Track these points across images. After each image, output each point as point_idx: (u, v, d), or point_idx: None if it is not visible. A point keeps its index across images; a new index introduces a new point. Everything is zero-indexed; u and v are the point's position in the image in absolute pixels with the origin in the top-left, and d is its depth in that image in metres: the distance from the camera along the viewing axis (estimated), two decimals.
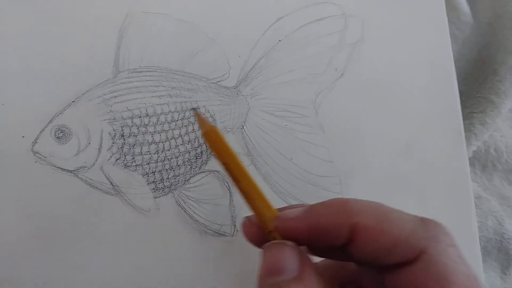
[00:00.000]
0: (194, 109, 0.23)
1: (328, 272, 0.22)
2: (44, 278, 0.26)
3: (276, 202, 0.29)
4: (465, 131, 0.35)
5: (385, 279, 0.19)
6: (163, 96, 0.28)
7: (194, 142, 0.29)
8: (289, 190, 0.29)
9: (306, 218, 0.19)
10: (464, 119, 0.35)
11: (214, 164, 0.29)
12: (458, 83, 0.33)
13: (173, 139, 0.28)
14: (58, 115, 0.27)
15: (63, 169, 0.27)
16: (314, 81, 0.30)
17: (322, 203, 0.20)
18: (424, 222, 0.18)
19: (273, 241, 0.19)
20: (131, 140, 0.28)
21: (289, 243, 0.19)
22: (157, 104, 0.28)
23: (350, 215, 0.18)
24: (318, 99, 0.30)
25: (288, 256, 0.18)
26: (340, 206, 0.19)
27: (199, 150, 0.29)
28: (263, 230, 0.20)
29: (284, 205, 0.28)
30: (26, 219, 0.27)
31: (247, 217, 0.21)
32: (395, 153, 0.31)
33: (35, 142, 0.27)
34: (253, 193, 0.20)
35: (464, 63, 0.38)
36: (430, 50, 0.32)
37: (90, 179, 0.27)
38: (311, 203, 0.21)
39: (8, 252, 0.26)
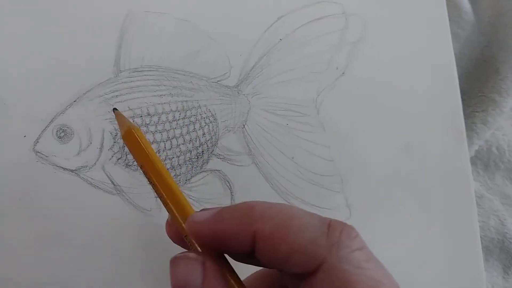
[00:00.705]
0: (114, 109, 0.23)
1: (268, 280, 0.21)
2: (45, 278, 0.26)
3: (277, 201, 0.29)
4: (467, 130, 0.35)
5: None
6: (164, 95, 0.28)
7: (195, 141, 0.29)
8: (290, 189, 0.29)
9: (212, 223, 0.19)
10: (466, 118, 0.35)
11: (215, 163, 0.29)
12: (460, 82, 0.33)
13: (174, 138, 0.28)
14: (59, 115, 0.27)
15: (64, 169, 0.27)
16: (315, 80, 0.31)
17: (230, 207, 0.19)
18: (330, 227, 0.17)
19: (176, 255, 0.19)
20: None
21: (191, 255, 0.18)
22: (158, 104, 0.28)
23: (251, 222, 0.18)
24: (319, 98, 0.30)
25: (191, 270, 0.18)
26: (244, 211, 0.18)
27: (200, 150, 0.29)
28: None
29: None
30: (27, 218, 0.27)
31: (169, 217, 0.21)
32: (396, 152, 0.31)
33: (36, 141, 0.27)
34: (169, 196, 0.20)
35: (466, 62, 0.38)
36: (431, 49, 0.32)
37: (92, 178, 0.27)
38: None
39: (9, 251, 0.26)
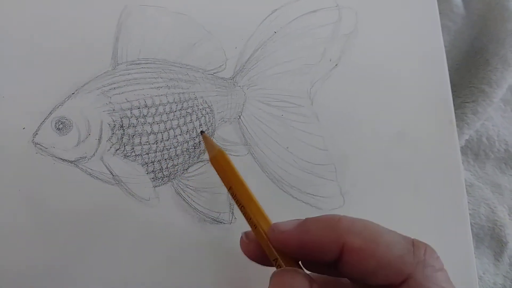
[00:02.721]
0: (202, 132, 0.24)
1: None
2: (44, 267, 0.27)
3: (273, 190, 0.29)
4: (457, 120, 0.35)
5: None
6: (161, 87, 0.29)
7: (192, 132, 0.29)
8: (286, 178, 0.29)
9: (298, 233, 0.20)
10: (456, 109, 0.36)
11: None
12: (451, 74, 0.33)
13: (172, 130, 0.29)
14: (58, 107, 0.28)
15: (63, 160, 0.28)
16: (309, 71, 0.31)
17: (316, 219, 0.20)
18: (415, 246, 0.19)
19: (284, 268, 0.20)
20: (130, 130, 0.28)
21: (300, 271, 0.19)
22: (156, 95, 0.29)
23: (340, 234, 0.19)
24: (313, 89, 0.31)
25: (299, 283, 0.18)
26: (331, 223, 0.19)
27: (197, 140, 0.29)
28: (261, 248, 0.21)
29: (282, 194, 0.29)
30: (27, 209, 0.27)
31: (244, 234, 0.22)
32: (389, 141, 0.31)
33: (35, 133, 0.27)
34: (258, 217, 0.21)
35: (456, 53, 0.39)
36: (422, 41, 0.33)
37: (91, 169, 0.28)
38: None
39: (9, 241, 0.27)
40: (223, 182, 0.22)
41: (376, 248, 0.18)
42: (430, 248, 0.19)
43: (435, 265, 0.19)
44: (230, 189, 0.22)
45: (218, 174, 0.22)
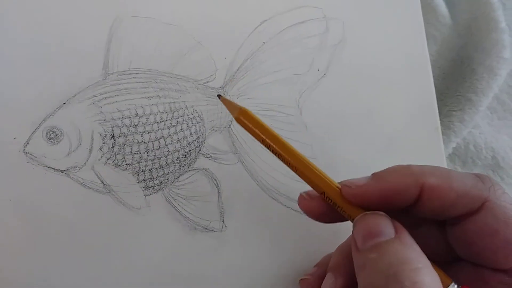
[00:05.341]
0: (219, 96, 0.24)
1: None
2: (36, 277, 0.27)
3: (263, 198, 0.30)
4: (444, 129, 0.36)
5: (450, 234, 0.21)
6: (152, 97, 0.29)
7: (183, 141, 0.29)
8: (276, 186, 0.30)
9: (376, 184, 0.21)
10: (443, 117, 0.37)
11: (203, 162, 0.30)
12: (438, 82, 0.34)
13: (162, 139, 0.29)
14: (49, 117, 0.28)
15: (54, 169, 0.28)
16: (298, 81, 0.31)
17: (386, 171, 0.21)
18: (480, 176, 0.21)
19: (366, 212, 0.21)
20: (121, 140, 0.28)
21: (381, 213, 0.20)
22: (146, 105, 0.29)
23: (417, 177, 0.20)
24: (302, 99, 0.31)
25: (384, 222, 0.20)
26: (405, 170, 0.21)
27: (187, 149, 0.29)
28: (325, 204, 0.22)
29: (272, 202, 0.30)
30: (18, 219, 0.27)
31: (305, 193, 0.23)
32: (376, 149, 0.32)
33: (27, 143, 0.28)
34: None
35: (443, 63, 0.40)
36: (407, 50, 0.33)
37: (82, 178, 0.28)
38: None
39: (0, 251, 0.27)
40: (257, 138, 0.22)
41: (453, 182, 0.20)
42: (491, 177, 0.21)
43: (502, 188, 0.21)
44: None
45: (249, 132, 0.22)
